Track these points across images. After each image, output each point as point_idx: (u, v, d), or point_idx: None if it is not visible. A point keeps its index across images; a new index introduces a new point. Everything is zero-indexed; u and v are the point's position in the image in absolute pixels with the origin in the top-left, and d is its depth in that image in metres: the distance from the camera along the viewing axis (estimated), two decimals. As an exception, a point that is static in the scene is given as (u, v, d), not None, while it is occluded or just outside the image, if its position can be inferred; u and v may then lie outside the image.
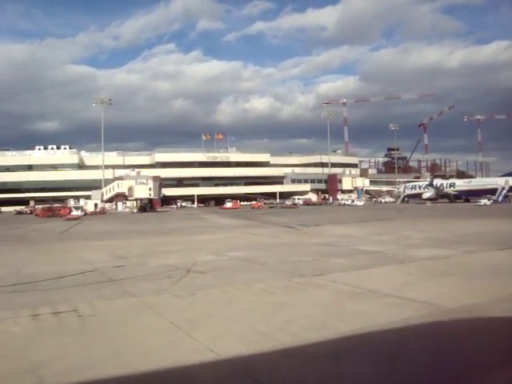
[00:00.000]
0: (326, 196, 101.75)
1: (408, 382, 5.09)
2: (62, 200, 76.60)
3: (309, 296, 9.11)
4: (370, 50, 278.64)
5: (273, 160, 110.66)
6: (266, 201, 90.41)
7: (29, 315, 7.96)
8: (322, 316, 7.55)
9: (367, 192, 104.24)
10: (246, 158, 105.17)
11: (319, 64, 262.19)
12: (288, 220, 35.76)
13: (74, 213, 53.44)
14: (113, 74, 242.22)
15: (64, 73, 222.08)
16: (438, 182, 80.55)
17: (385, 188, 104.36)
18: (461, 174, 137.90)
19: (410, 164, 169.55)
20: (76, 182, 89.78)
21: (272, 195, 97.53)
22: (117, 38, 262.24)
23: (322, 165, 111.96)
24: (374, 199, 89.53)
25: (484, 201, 59.70)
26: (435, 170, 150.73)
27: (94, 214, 62.47)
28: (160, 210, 71.98)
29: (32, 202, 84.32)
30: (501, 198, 65.38)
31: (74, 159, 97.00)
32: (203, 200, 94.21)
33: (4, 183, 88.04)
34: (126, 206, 73.42)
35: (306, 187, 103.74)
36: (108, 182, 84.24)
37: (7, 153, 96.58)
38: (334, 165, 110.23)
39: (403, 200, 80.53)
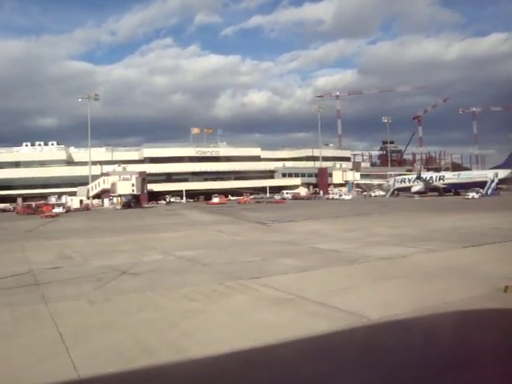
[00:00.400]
0: (317, 190, 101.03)
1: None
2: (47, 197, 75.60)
3: (227, 303, 8.36)
4: (367, 44, 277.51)
5: (264, 154, 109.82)
6: (256, 195, 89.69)
7: None
8: (223, 328, 6.79)
9: (358, 186, 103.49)
10: (236, 152, 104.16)
11: (317, 58, 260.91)
12: (266, 215, 34.98)
13: (56, 210, 52.51)
14: (110, 69, 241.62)
15: (62, 69, 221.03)
16: (427, 174, 79.82)
17: (376, 181, 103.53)
18: (456, 167, 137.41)
19: (406, 157, 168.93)
20: (64, 178, 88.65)
21: (262, 189, 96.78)
22: (114, 33, 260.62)
23: (314, 158, 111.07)
24: (365, 193, 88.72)
25: (472, 194, 58.91)
26: (430, 163, 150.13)
27: (77, 210, 61.55)
28: (147, 206, 71.12)
29: (20, 200, 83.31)
30: (490, 190, 64.48)
31: (62, 155, 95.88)
32: (193, 195, 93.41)
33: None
34: (112, 203, 72.41)
35: (297, 181, 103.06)
36: (95, 178, 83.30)
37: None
38: (326, 158, 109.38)
39: (392, 193, 79.77)
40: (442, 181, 74.16)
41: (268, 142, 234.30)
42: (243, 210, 45.97)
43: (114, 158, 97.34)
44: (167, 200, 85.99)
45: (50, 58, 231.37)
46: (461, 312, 7.17)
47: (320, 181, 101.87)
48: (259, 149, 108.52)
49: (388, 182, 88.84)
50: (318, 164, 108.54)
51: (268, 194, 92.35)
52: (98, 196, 78.19)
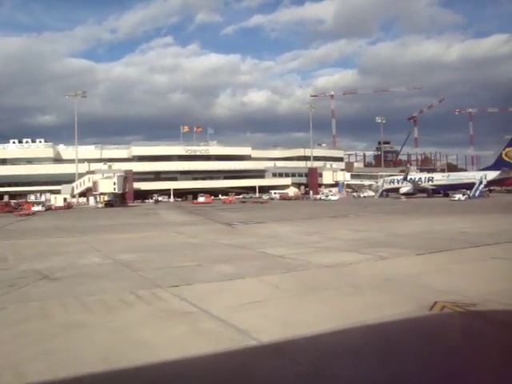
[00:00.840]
0: (308, 190, 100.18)
1: None
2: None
3: (121, 316, 7.63)
4: (368, 44, 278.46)
5: (255, 153, 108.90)
6: (245, 195, 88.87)
7: None
8: (92, 347, 6.05)
9: (349, 186, 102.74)
10: (227, 151, 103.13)
11: (317, 57, 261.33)
12: (240, 216, 34.23)
13: (35, 208, 51.56)
14: (111, 67, 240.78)
15: (62, 66, 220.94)
16: (416, 175, 79.06)
17: (367, 182, 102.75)
18: (452, 168, 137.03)
19: (402, 158, 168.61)
20: (51, 176, 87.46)
21: (253, 189, 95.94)
22: (114, 31, 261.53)
23: (306, 158, 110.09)
24: (354, 194, 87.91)
25: (458, 196, 58.12)
26: (426, 164, 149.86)
27: (58, 209, 60.54)
28: (132, 204, 70.20)
29: (7, 197, 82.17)
30: (477, 192, 63.65)
31: (49, 153, 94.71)
32: (181, 194, 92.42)
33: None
34: (96, 201, 71.41)
35: (287, 181, 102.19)
36: (82, 176, 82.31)
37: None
38: (318, 158, 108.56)
39: (381, 194, 78.96)
40: (430, 182, 73.41)
41: (267, 142, 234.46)
42: (222, 211, 45.16)
43: (103, 156, 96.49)
44: (155, 199, 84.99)
45: (51, 56, 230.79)
46: (364, 334, 6.41)
47: (310, 181, 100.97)
48: (250, 148, 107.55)
49: (377, 182, 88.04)
50: (309, 164, 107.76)
51: (257, 194, 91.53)
52: (84, 194, 77.17)
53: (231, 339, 6.22)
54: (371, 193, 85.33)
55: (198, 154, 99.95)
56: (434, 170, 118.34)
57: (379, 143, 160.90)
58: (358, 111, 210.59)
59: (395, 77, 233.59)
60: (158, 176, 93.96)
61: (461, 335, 6.38)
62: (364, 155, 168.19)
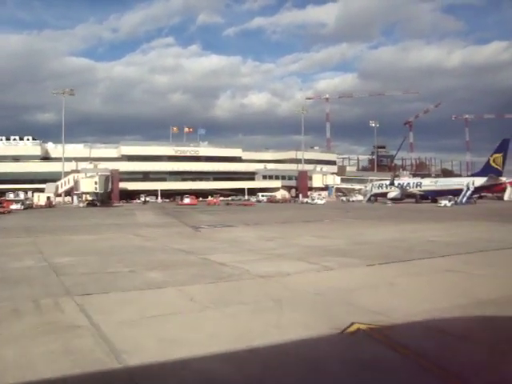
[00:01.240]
0: (298, 193, 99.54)
1: None
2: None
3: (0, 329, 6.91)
4: (369, 48, 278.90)
5: (246, 155, 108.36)
6: (234, 197, 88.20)
7: None
8: None
9: (339, 190, 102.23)
10: (217, 152, 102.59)
11: (318, 61, 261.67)
12: (213, 219, 33.71)
13: (13, 206, 50.76)
14: (111, 66, 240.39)
15: (62, 64, 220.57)
16: (404, 181, 78.65)
17: (357, 186, 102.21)
18: (448, 173, 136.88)
19: (397, 162, 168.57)
20: (38, 174, 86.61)
21: (242, 191, 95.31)
22: (115, 31, 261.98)
23: (298, 161, 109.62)
24: (342, 198, 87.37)
25: (444, 202, 57.62)
26: (421, 169, 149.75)
27: (39, 207, 59.68)
28: (117, 204, 69.38)
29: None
30: (464, 199, 63.22)
31: (37, 150, 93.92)
32: (170, 195, 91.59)
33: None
34: (80, 200, 70.54)
35: (277, 184, 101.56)
36: (68, 174, 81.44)
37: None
38: (309, 161, 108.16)
39: (369, 199, 78.38)
40: (419, 187, 72.98)
41: (266, 144, 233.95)
42: (200, 213, 44.47)
43: (93, 155, 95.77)
44: (143, 199, 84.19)
45: (51, 54, 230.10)
46: (244, 359, 5.76)
47: (300, 184, 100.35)
48: (240, 150, 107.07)
49: (366, 187, 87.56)
50: (300, 167, 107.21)
51: (246, 196, 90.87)
52: (68, 193, 76.26)
53: (96, 361, 5.55)
54: (360, 197, 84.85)
55: (188, 154, 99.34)
56: (428, 176, 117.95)
57: (374, 147, 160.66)
58: (357, 115, 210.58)
59: (395, 81, 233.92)
60: (146, 176, 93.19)
61: (352, 360, 5.70)
62: (358, 159, 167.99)
